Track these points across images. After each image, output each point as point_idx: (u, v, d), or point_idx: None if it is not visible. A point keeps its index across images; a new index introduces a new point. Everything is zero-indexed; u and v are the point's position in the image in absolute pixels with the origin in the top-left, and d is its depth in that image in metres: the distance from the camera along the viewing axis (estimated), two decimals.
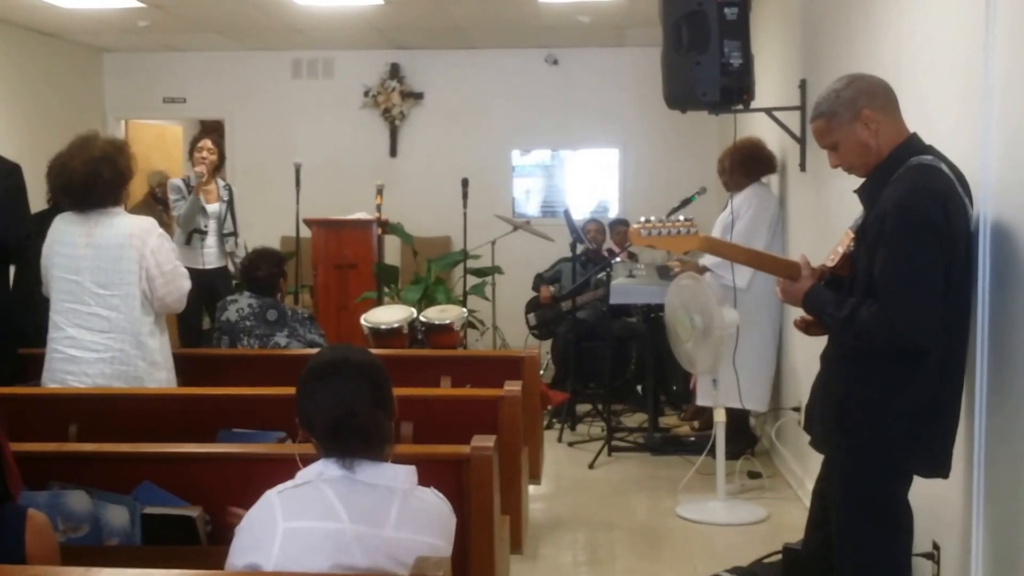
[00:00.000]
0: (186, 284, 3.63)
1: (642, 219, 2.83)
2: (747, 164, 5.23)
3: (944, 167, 2.44)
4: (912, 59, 3.20)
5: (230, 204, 6.06)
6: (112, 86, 8.79)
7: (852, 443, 2.48)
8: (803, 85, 4.83)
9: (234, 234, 6.05)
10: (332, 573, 1.80)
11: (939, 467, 2.47)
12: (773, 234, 5.13)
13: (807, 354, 4.64)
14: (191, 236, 5.89)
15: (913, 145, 2.50)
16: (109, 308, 3.46)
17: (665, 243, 2.81)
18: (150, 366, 3.51)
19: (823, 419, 2.59)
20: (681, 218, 2.82)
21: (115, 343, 3.46)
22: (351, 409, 1.89)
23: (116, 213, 3.52)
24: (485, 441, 2.51)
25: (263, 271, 4.43)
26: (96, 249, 3.46)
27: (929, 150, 2.50)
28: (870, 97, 2.51)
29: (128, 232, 3.47)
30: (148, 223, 3.57)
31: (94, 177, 3.43)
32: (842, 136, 2.54)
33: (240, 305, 4.39)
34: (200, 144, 5.98)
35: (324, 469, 1.90)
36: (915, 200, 2.37)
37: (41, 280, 3.61)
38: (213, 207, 5.99)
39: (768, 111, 5.01)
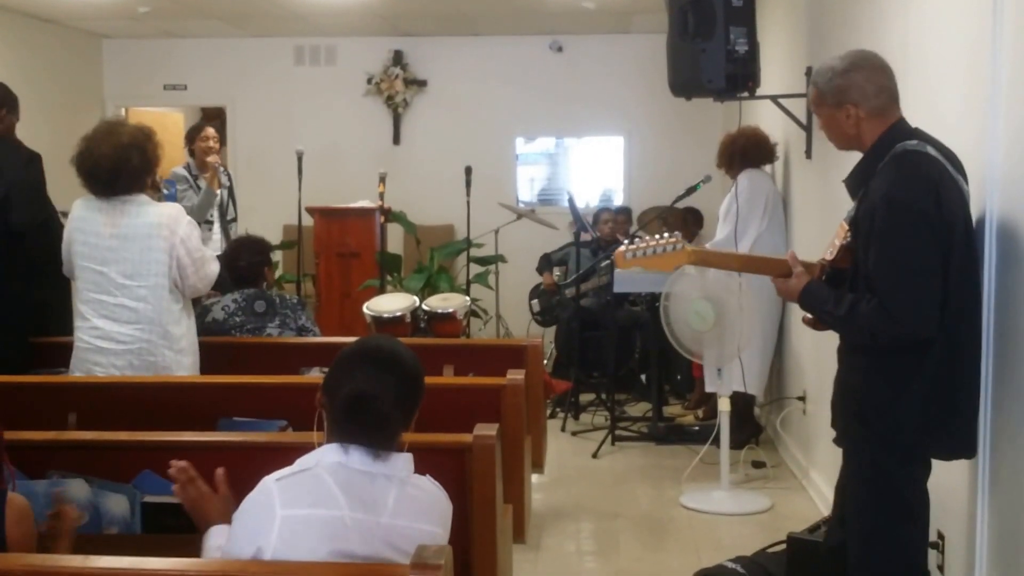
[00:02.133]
0: (215, 267, 3.62)
1: (626, 242, 2.78)
2: (744, 153, 5.19)
3: (931, 149, 2.40)
4: (919, 47, 3.17)
5: (231, 190, 6.03)
6: (111, 73, 8.75)
7: (869, 433, 2.45)
8: (809, 72, 4.79)
9: (235, 220, 6.03)
10: (330, 560, 1.80)
11: (961, 450, 2.45)
12: (770, 217, 5.09)
13: (811, 343, 4.61)
14: (200, 227, 5.85)
15: (897, 131, 2.45)
16: (136, 299, 3.44)
17: (652, 263, 2.73)
18: (177, 354, 3.50)
19: (842, 413, 2.56)
20: (666, 235, 2.72)
21: (143, 334, 3.45)
22: (376, 394, 1.89)
23: (141, 201, 3.48)
24: (488, 430, 2.49)
25: (244, 260, 4.26)
26: (122, 240, 3.43)
27: (915, 133, 2.45)
28: (861, 95, 2.45)
29: (156, 222, 3.44)
30: (175, 211, 3.54)
31: (122, 163, 3.40)
32: (825, 116, 2.54)
33: (224, 303, 4.20)
34: (204, 134, 5.92)
35: (322, 456, 1.89)
36: (903, 191, 2.34)
37: (47, 266, 3.59)
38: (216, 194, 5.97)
39: (774, 98, 4.98)
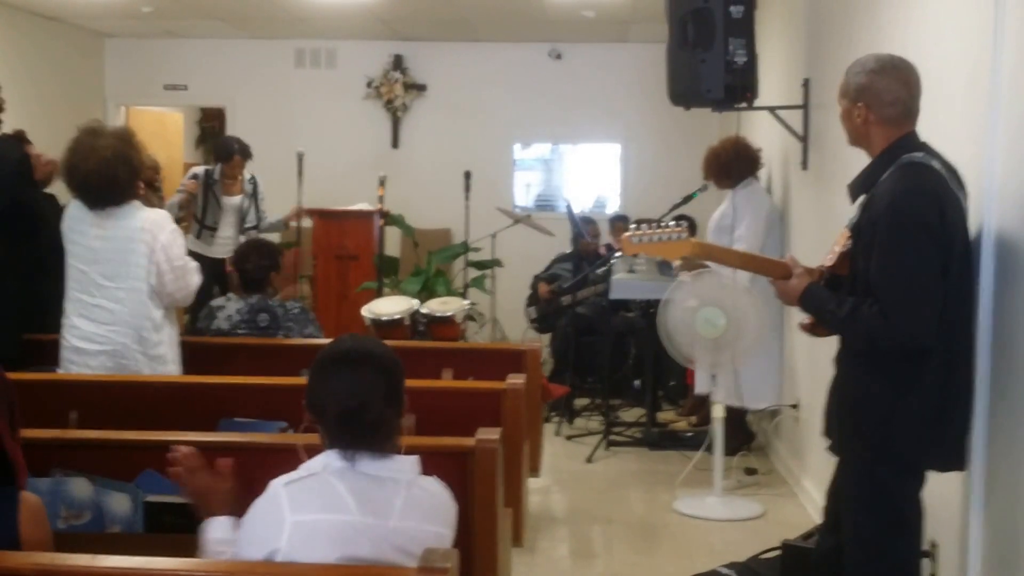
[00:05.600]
0: (195, 279, 3.62)
1: (633, 226, 2.83)
2: (738, 163, 5.22)
3: (935, 163, 2.44)
4: (918, 60, 3.18)
5: (254, 196, 6.19)
6: (113, 72, 8.77)
7: (865, 444, 2.48)
8: (806, 84, 4.83)
9: (256, 228, 6.15)
10: (340, 564, 1.81)
11: (955, 461, 2.48)
12: (769, 231, 5.13)
13: (805, 352, 4.65)
14: (201, 231, 6.05)
15: (905, 143, 2.49)
16: (113, 301, 3.45)
17: (656, 250, 2.79)
18: (151, 360, 3.50)
19: (837, 422, 2.59)
20: (672, 223, 2.79)
21: (117, 336, 3.46)
22: (363, 402, 1.89)
23: (129, 204, 3.50)
24: (490, 434, 2.51)
25: (252, 263, 4.23)
26: (107, 242, 3.45)
27: (922, 147, 2.49)
28: (876, 99, 2.48)
29: (140, 226, 3.46)
30: (161, 217, 3.56)
31: (111, 179, 3.42)
32: (843, 106, 2.58)
33: (228, 312, 4.17)
34: (233, 162, 6.15)
35: (329, 461, 1.90)
36: (908, 201, 2.38)
37: (45, 264, 3.61)
38: (235, 200, 6.16)
39: (771, 109, 5.01)
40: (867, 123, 2.50)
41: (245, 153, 6.20)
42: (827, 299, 2.53)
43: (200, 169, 6.28)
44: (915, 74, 2.53)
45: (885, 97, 2.48)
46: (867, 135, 2.53)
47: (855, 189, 2.59)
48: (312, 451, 1.97)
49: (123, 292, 3.45)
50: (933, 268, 2.36)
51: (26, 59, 7.59)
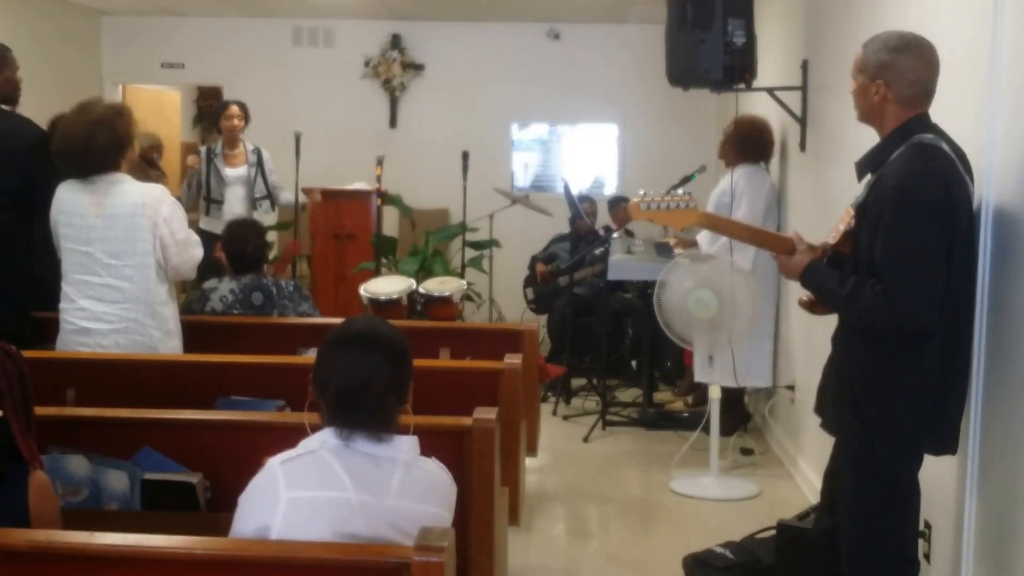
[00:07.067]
0: (199, 252, 3.63)
1: (641, 192, 2.85)
2: (744, 144, 5.22)
3: (945, 145, 2.44)
4: None
5: (260, 167, 6.16)
6: (110, 50, 8.72)
7: (863, 424, 2.49)
8: (805, 66, 4.82)
9: (267, 197, 6.15)
10: (334, 541, 1.81)
11: (948, 445, 2.49)
12: (766, 217, 5.14)
13: (802, 333, 4.66)
14: (209, 206, 6.07)
15: (917, 123, 2.48)
16: (122, 278, 3.44)
17: (664, 217, 2.83)
18: (164, 335, 3.51)
19: (834, 401, 2.60)
20: (680, 192, 2.82)
21: (129, 313, 3.45)
22: (365, 384, 1.89)
23: (124, 180, 3.48)
24: (487, 413, 2.52)
25: (252, 244, 4.19)
26: (107, 219, 3.43)
27: (933, 128, 2.49)
28: (897, 78, 2.46)
29: (140, 201, 3.45)
30: (159, 191, 3.55)
31: (89, 140, 3.39)
32: (859, 83, 2.55)
33: (222, 292, 4.14)
34: (228, 112, 6.10)
35: (326, 439, 1.90)
36: (916, 181, 2.37)
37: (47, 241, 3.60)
38: (239, 171, 6.13)
39: (770, 91, 5.00)
40: (884, 101, 2.49)
41: (243, 107, 6.17)
42: (829, 276, 2.54)
43: (203, 150, 6.31)
44: (936, 54, 2.52)
45: (907, 76, 2.47)
46: (881, 113, 2.51)
47: (863, 167, 2.58)
48: (316, 429, 1.97)
49: (131, 269, 3.44)
50: (938, 250, 2.36)
51: (21, 38, 7.50)
